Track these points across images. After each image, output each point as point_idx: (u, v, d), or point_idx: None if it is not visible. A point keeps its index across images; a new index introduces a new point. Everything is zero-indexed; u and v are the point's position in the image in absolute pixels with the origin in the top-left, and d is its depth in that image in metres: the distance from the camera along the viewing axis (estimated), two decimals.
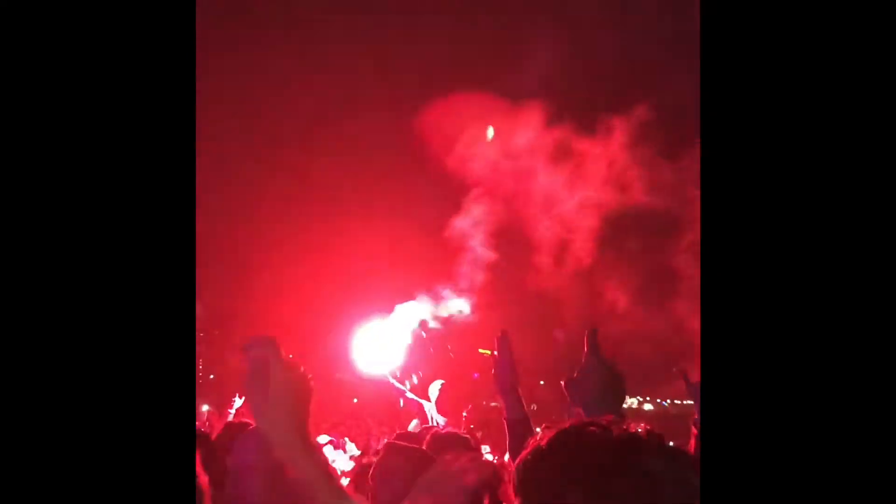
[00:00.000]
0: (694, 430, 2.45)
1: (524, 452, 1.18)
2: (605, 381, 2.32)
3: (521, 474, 1.16)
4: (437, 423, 5.92)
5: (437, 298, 6.94)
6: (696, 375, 2.52)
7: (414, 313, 6.97)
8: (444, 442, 3.22)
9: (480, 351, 3.06)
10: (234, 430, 3.05)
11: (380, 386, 6.52)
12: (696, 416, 2.44)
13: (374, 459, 3.19)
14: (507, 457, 2.76)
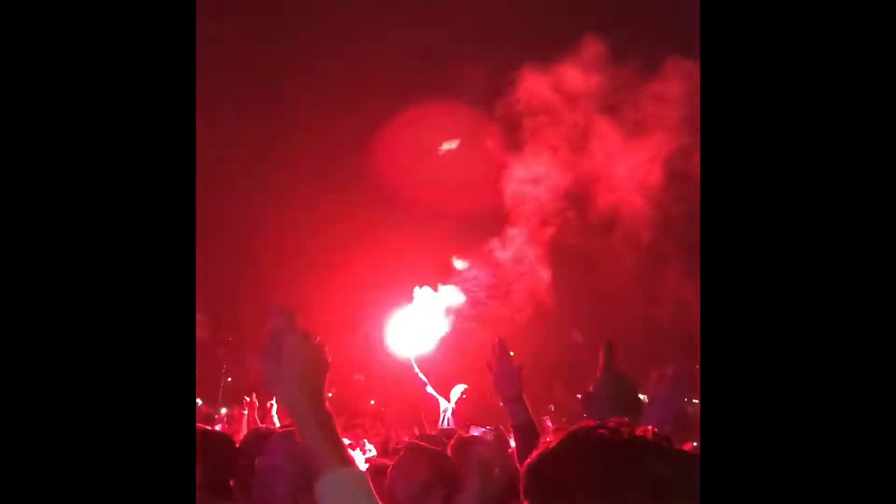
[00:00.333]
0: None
1: (533, 454, 1.17)
2: (619, 395, 2.35)
3: (529, 476, 1.15)
4: (450, 424, 5.88)
5: (462, 286, 6.83)
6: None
7: (445, 299, 6.93)
8: (470, 446, 3.22)
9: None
10: (262, 434, 3.08)
11: (398, 388, 6.46)
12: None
13: (389, 460, 3.20)
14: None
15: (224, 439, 3.09)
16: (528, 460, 1.17)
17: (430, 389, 6.19)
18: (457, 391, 6.15)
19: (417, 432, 5.38)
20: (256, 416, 6.42)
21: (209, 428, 3.67)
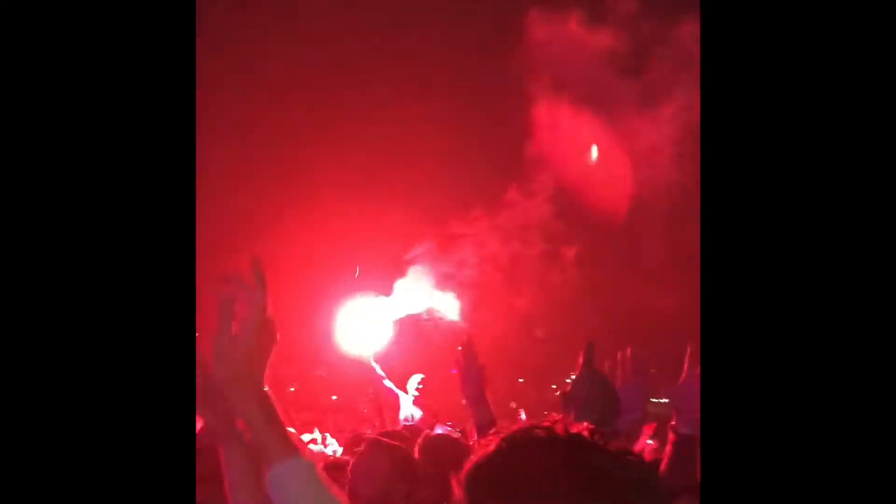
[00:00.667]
0: (671, 436, 2.34)
1: (470, 460, 1.15)
2: (599, 394, 2.38)
3: (469, 482, 1.13)
4: (413, 417, 5.87)
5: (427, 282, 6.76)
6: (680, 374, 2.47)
7: (407, 295, 6.82)
8: (437, 444, 3.21)
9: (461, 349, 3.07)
10: None
11: (361, 382, 6.39)
12: (674, 423, 2.34)
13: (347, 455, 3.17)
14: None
15: None
16: (467, 466, 1.14)
17: (388, 383, 6.16)
18: (413, 382, 6.13)
19: (377, 427, 5.35)
20: None
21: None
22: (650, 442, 3.06)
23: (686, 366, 2.38)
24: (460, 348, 3.03)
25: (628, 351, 2.60)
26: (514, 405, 10.51)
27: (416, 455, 3.08)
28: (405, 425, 5.09)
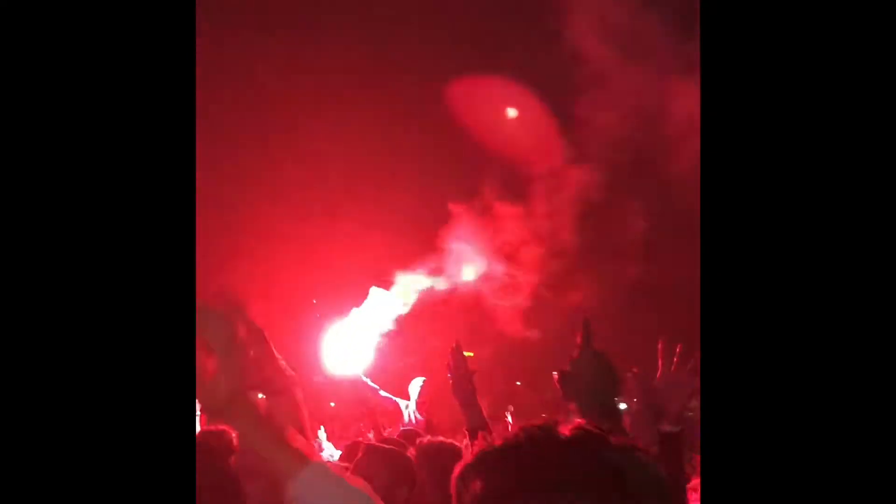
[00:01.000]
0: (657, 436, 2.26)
1: (459, 465, 1.11)
2: (599, 373, 2.22)
3: (458, 489, 1.09)
4: (415, 421, 5.86)
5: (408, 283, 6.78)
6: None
7: (385, 305, 6.78)
8: (433, 451, 3.21)
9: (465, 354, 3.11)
10: None
11: (357, 389, 6.40)
12: (665, 428, 2.26)
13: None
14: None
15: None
16: (456, 471, 1.10)
17: (383, 394, 6.16)
18: (415, 385, 6.12)
19: (372, 435, 5.34)
20: None
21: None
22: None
23: (660, 363, 2.31)
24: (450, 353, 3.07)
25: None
26: (511, 408, 10.50)
27: (414, 460, 3.10)
28: (403, 430, 5.10)
